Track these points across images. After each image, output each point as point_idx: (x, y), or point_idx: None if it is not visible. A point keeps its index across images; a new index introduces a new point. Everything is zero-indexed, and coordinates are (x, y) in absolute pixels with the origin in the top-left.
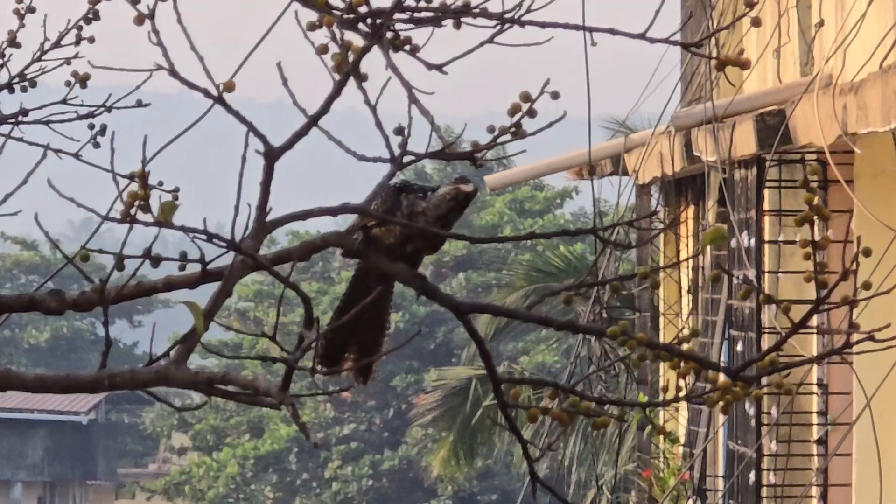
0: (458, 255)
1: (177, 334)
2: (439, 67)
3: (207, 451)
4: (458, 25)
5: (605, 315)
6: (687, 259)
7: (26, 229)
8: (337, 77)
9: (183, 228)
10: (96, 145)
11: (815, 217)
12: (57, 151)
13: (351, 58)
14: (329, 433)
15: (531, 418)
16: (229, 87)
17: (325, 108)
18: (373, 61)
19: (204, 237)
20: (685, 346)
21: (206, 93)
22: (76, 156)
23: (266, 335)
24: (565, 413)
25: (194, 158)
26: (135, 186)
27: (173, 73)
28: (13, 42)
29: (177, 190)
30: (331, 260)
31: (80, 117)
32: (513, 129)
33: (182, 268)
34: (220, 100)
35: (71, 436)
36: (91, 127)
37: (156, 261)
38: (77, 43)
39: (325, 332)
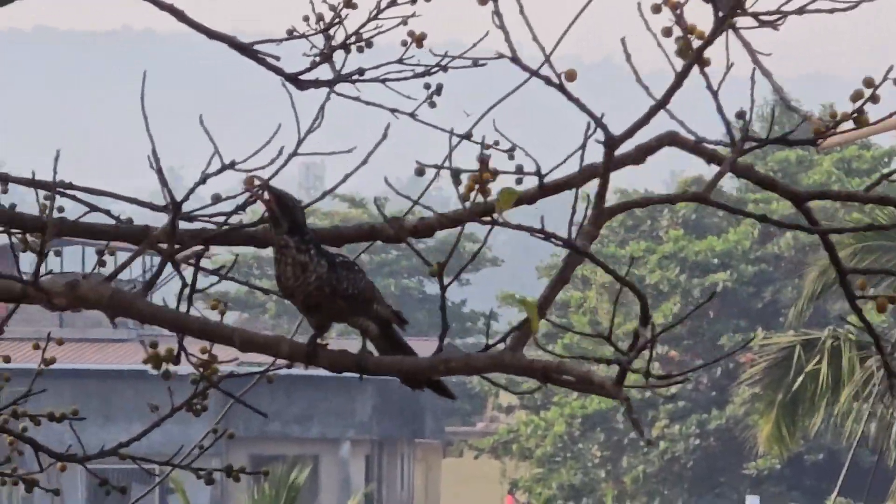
0: (785, 213)
1: (503, 292)
2: (772, 24)
3: (535, 409)
4: None
5: None
6: None
7: (354, 188)
8: (680, 61)
9: (519, 227)
10: (432, 105)
11: None
12: (393, 111)
13: (695, 43)
14: (657, 392)
15: (879, 308)
16: (570, 76)
17: (668, 97)
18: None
19: (541, 237)
20: None
21: (548, 80)
22: (412, 115)
23: (602, 335)
24: None
25: (513, 120)
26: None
27: (514, 60)
28: (349, 2)
29: (512, 149)
30: (658, 219)
31: (415, 76)
32: (854, 115)
33: (519, 181)
34: (560, 87)
35: (399, 394)
36: (427, 86)
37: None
38: (413, 2)
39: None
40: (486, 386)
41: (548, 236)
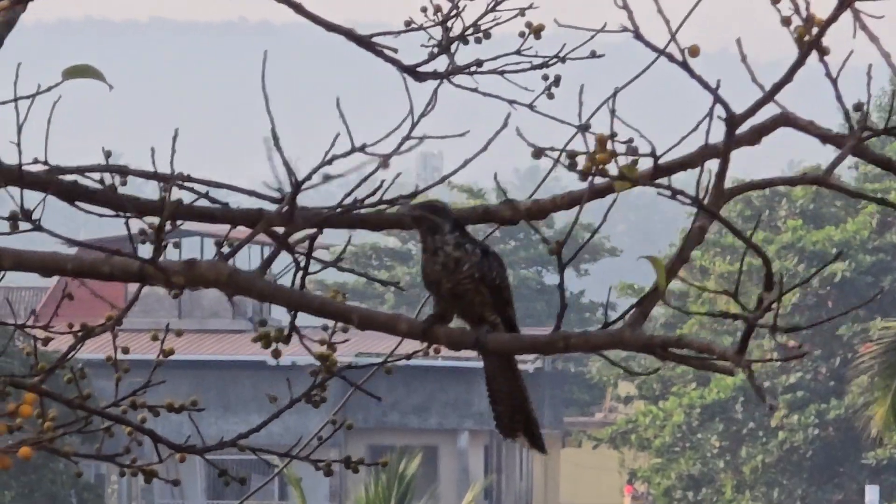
0: None
1: (623, 283)
2: None
3: (654, 399)
4: None
5: None
6: None
7: (473, 178)
8: (798, 49)
9: (647, 184)
10: (550, 96)
11: None
12: (511, 102)
13: (814, 31)
14: (775, 382)
15: None
16: (694, 52)
17: (787, 80)
18: (833, 30)
19: (668, 194)
20: None
21: (671, 57)
22: (530, 106)
23: (728, 293)
24: None
25: (639, 109)
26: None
27: (638, 35)
28: None
29: (631, 141)
30: (776, 209)
31: (533, 67)
32: None
33: (635, 163)
34: (683, 64)
35: None
36: (545, 78)
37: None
38: None
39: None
40: (604, 376)
41: (675, 193)
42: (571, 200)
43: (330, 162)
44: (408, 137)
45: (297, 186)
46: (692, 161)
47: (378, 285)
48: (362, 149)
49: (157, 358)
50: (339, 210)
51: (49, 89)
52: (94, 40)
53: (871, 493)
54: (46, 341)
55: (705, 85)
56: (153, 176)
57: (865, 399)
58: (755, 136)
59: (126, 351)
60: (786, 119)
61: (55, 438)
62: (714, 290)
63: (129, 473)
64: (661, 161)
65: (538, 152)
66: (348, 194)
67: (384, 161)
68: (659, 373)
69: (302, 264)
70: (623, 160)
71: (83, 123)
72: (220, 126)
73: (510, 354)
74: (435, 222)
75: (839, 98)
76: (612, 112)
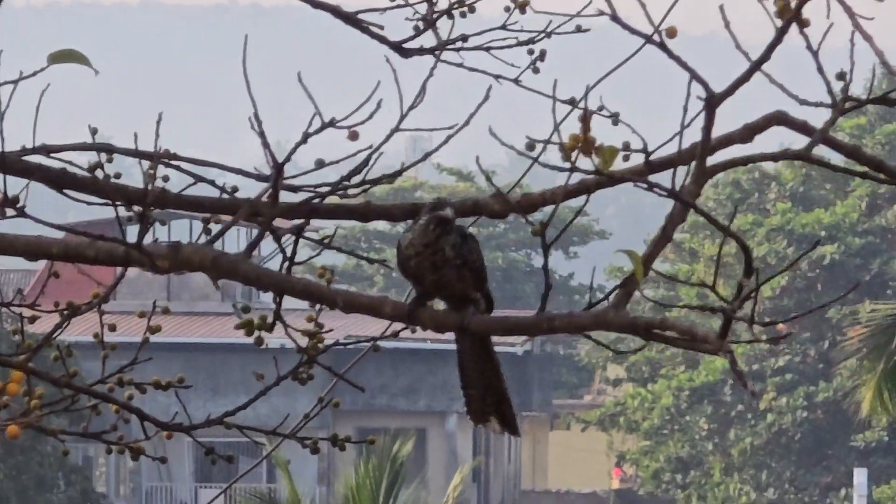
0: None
1: (612, 267)
2: None
3: (642, 382)
4: None
5: None
6: None
7: (463, 161)
8: (779, 22)
9: (623, 180)
10: (536, 71)
11: None
12: (497, 77)
13: (793, 3)
14: (764, 365)
15: None
16: (672, 33)
17: (767, 55)
18: (814, 4)
19: (644, 186)
20: None
21: (648, 39)
22: (516, 81)
23: (706, 285)
24: None
25: (623, 88)
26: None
27: (615, 19)
28: None
29: (616, 114)
30: (766, 192)
31: (519, 43)
32: None
33: (626, 158)
34: (661, 45)
35: (506, 367)
36: (530, 53)
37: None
38: None
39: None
40: (593, 359)
41: (651, 186)
42: (558, 196)
43: (305, 141)
44: (396, 129)
45: (278, 169)
46: (680, 159)
47: (367, 268)
48: (332, 123)
49: (145, 334)
50: (323, 198)
51: (34, 74)
52: (84, 23)
53: (860, 476)
54: (33, 320)
55: (684, 65)
56: (138, 154)
57: (854, 382)
58: (748, 133)
59: (113, 328)
60: (780, 118)
61: (42, 417)
62: (693, 282)
63: (115, 452)
64: (649, 155)
65: (531, 144)
66: (335, 185)
67: (352, 134)
68: (648, 355)
69: (289, 252)
70: (609, 144)
71: (72, 108)
72: (212, 109)
73: (493, 335)
74: (454, 225)
75: (820, 69)
76: (606, 110)
